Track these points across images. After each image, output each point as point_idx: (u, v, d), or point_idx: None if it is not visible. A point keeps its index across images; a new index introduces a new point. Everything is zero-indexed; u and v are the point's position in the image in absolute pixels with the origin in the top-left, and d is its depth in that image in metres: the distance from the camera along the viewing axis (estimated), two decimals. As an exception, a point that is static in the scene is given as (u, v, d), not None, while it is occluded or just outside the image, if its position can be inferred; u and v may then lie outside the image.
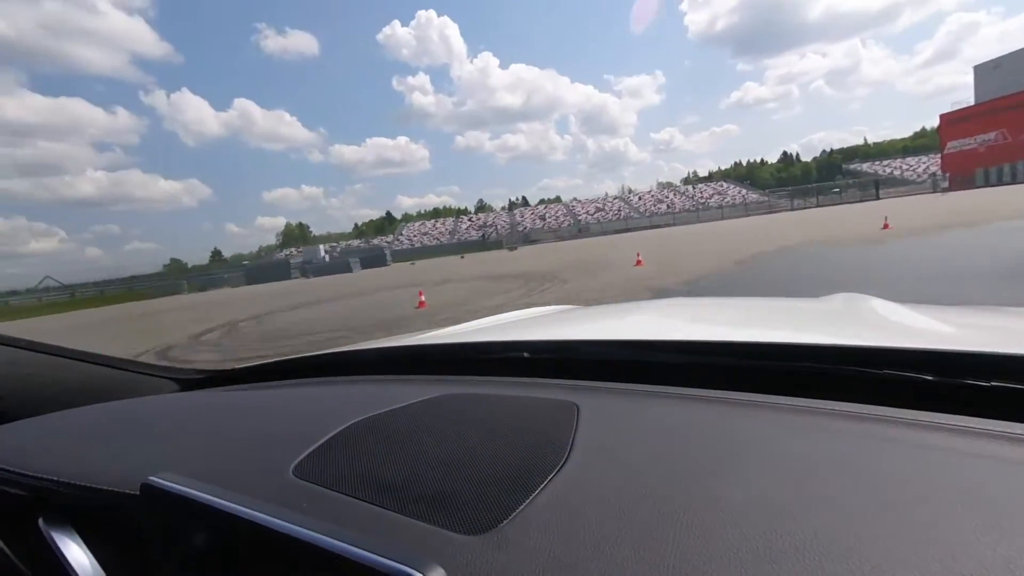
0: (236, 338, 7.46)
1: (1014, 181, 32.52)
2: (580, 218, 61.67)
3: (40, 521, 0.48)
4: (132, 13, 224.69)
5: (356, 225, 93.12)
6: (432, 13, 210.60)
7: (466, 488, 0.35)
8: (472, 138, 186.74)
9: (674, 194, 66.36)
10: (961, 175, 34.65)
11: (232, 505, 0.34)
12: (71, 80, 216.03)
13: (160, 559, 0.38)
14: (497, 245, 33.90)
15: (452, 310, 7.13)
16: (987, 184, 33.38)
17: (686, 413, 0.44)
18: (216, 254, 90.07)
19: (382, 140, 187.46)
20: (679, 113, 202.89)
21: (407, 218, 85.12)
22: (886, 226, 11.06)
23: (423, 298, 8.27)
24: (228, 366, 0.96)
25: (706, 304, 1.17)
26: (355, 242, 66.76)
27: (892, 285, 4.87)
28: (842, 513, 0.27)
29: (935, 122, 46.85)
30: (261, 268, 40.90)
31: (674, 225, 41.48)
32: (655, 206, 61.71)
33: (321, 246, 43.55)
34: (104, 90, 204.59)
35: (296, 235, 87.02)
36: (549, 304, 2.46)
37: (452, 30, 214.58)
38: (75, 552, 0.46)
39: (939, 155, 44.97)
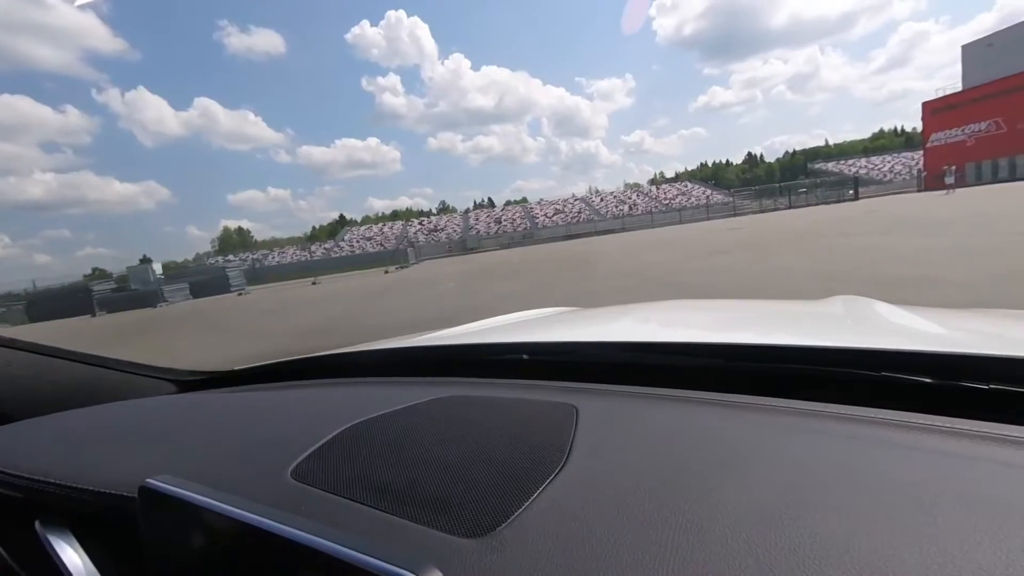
0: None
1: (1013, 178, 28.10)
2: (539, 220, 57.31)
3: (37, 524, 0.48)
4: (83, 7, 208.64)
5: (314, 228, 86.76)
6: (402, 13, 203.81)
7: (465, 491, 0.35)
8: (445, 139, 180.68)
9: (637, 195, 62.87)
10: (940, 173, 28.58)
11: (230, 508, 0.33)
12: (15, 77, 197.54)
13: (158, 562, 0.38)
14: (400, 259, 27.47)
15: None
16: (979, 181, 29.25)
17: (685, 415, 0.43)
18: (145, 261, 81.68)
19: (352, 141, 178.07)
20: (649, 116, 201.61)
21: (367, 221, 78.95)
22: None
23: None
24: (227, 367, 0.94)
25: (706, 306, 1.16)
26: (238, 257, 59.43)
27: None
28: (841, 515, 0.27)
29: (891, 125, 43.90)
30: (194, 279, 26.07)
31: (634, 230, 37.31)
32: (617, 208, 57.99)
33: (155, 265, 29.62)
34: (53, 88, 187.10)
35: (235, 241, 79.51)
36: None
37: (423, 31, 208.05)
38: (72, 555, 0.45)
39: (901, 155, 41.80)
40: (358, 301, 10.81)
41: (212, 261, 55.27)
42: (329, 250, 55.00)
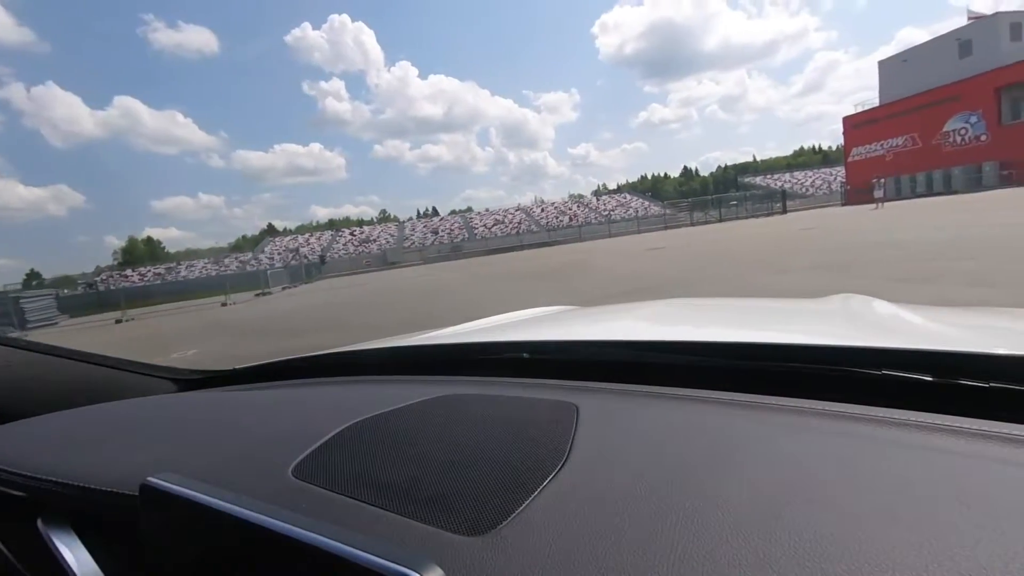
0: None
1: (930, 193, 28.64)
2: (477, 231, 55.11)
3: (39, 522, 0.48)
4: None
5: (243, 238, 79.56)
6: (346, 18, 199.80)
7: (466, 489, 0.35)
8: (392, 147, 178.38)
9: (577, 206, 62.25)
10: (864, 187, 28.89)
11: (231, 506, 0.33)
12: None
13: (159, 560, 0.38)
14: (263, 283, 22.84)
15: None
16: (899, 196, 29.23)
17: (685, 414, 0.44)
18: (33, 275, 71.34)
19: (293, 147, 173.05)
20: (594, 129, 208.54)
21: (303, 230, 73.06)
22: None
23: None
24: (227, 366, 0.94)
25: (706, 304, 1.15)
26: (140, 271, 53.95)
27: None
28: (840, 514, 0.27)
29: (810, 144, 45.49)
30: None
31: (570, 242, 35.84)
32: (557, 219, 56.93)
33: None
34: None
35: (141, 252, 71.16)
36: None
37: (368, 36, 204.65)
38: (74, 553, 0.46)
39: (820, 171, 43.11)
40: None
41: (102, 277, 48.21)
42: (245, 263, 49.77)
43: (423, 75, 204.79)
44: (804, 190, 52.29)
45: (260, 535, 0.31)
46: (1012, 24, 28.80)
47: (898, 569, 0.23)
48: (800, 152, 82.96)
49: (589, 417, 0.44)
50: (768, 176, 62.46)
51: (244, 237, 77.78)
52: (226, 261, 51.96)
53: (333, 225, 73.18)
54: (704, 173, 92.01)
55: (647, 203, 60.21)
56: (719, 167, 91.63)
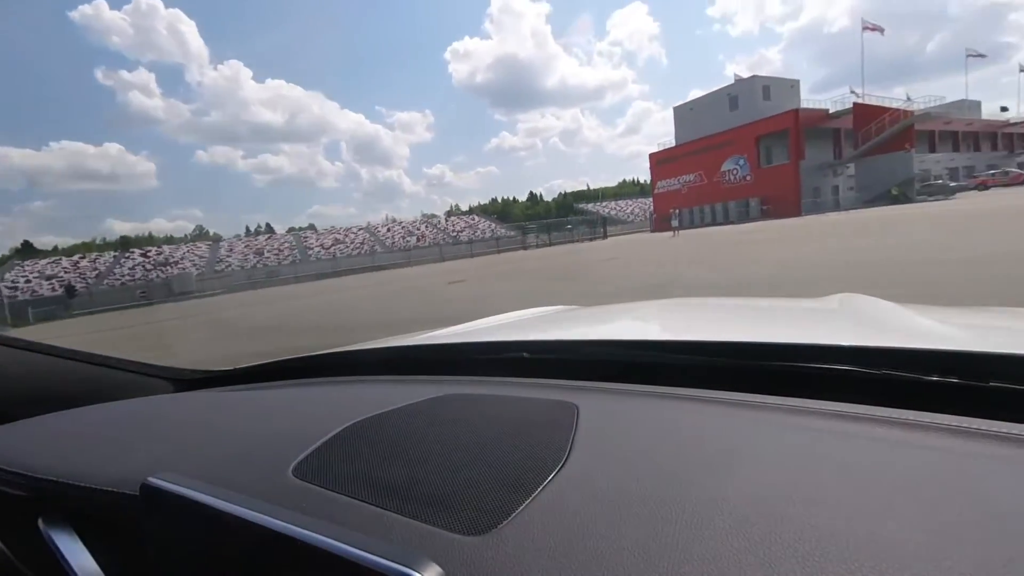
0: None
1: (715, 222, 33.88)
2: (312, 252, 49.80)
3: (40, 521, 0.48)
4: None
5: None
6: (157, 2, 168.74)
7: (466, 489, 0.35)
8: (220, 154, 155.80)
9: (426, 226, 60.80)
10: (667, 215, 33.64)
11: (231, 505, 0.33)
12: None
13: (159, 559, 0.38)
14: None
15: None
16: (692, 225, 34.27)
17: (685, 413, 0.44)
18: None
19: (79, 145, 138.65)
20: (449, 151, 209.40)
21: (90, 248, 57.17)
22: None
23: None
24: (227, 366, 0.94)
25: (705, 304, 1.15)
26: None
27: None
28: (841, 512, 0.27)
29: (631, 177, 51.47)
30: None
31: (403, 267, 33.96)
32: (405, 239, 54.60)
33: None
34: None
35: None
36: None
37: (188, 27, 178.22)
38: (75, 552, 0.46)
39: (638, 200, 48.88)
40: None
41: None
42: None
43: (259, 78, 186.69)
44: (626, 216, 58.90)
45: (260, 535, 0.31)
46: (763, 86, 36.27)
47: (899, 569, 0.23)
48: (624, 184, 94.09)
49: (589, 417, 0.44)
50: (599, 204, 69.11)
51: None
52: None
53: (126, 244, 59.67)
54: (548, 198, 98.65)
55: (494, 225, 61.56)
56: (560, 193, 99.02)
